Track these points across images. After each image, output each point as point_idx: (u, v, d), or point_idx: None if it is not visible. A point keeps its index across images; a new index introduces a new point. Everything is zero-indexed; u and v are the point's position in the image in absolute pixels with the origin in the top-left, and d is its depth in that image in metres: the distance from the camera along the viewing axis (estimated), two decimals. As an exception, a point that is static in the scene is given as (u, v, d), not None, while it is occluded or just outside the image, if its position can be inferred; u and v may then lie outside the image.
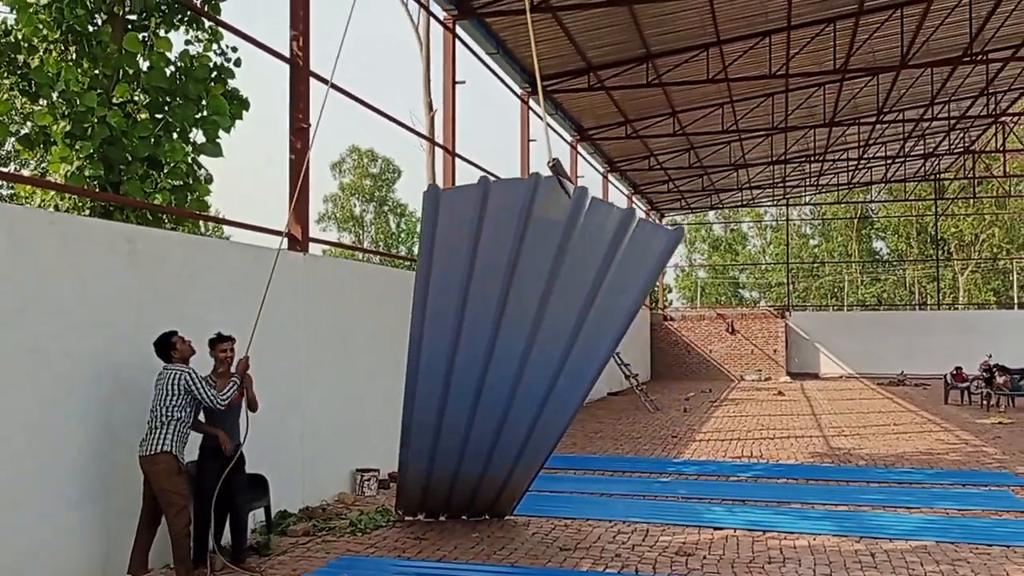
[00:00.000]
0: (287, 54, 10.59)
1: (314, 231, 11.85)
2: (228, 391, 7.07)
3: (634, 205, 35.12)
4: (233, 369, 7.35)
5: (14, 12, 8.92)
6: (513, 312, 7.02)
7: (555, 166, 6.45)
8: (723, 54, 20.13)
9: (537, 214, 6.55)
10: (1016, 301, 54.49)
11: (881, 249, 64.96)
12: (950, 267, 57.93)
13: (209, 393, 6.89)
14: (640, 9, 17.49)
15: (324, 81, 10.62)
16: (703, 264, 70.10)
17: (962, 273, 57.83)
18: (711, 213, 58.75)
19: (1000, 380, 21.61)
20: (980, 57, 20.63)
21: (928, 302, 57.95)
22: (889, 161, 33.08)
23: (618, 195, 32.37)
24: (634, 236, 6.72)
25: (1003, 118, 28.52)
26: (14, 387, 6.22)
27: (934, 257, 51.80)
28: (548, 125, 6.64)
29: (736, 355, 36.28)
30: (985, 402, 21.68)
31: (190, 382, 6.81)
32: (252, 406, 7.53)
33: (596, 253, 6.74)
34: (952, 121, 28.05)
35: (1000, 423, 18.41)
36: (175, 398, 6.79)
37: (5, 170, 25.37)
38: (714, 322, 36.88)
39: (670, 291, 65.19)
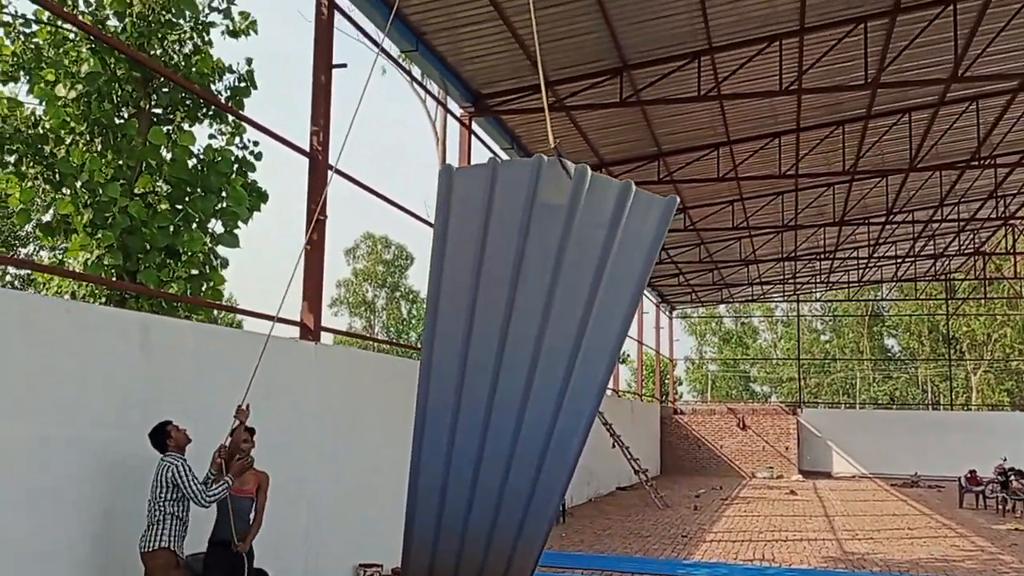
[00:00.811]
0: (307, 147, 10.84)
1: (326, 316, 11.94)
2: (217, 490, 6.89)
3: (645, 296, 35.24)
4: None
5: (43, 104, 9.19)
6: (522, 304, 6.88)
7: (557, 148, 6.50)
8: (733, 153, 20.47)
9: (541, 197, 6.52)
10: (1030, 403, 53.89)
11: (893, 347, 64.66)
12: (962, 367, 57.51)
13: (195, 487, 6.65)
14: (652, 110, 17.88)
15: (337, 171, 10.86)
16: (714, 358, 69.80)
17: (975, 373, 57.36)
18: (721, 306, 58.84)
19: (1016, 484, 21.23)
20: (988, 161, 20.89)
21: (941, 401, 57.37)
22: (899, 260, 33.21)
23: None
24: (632, 211, 6.65)
25: (1012, 221, 28.70)
26: (17, 474, 6.20)
27: (946, 356, 51.49)
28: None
29: (747, 451, 35.80)
30: (1001, 507, 21.26)
31: (176, 474, 6.61)
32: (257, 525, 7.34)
33: (598, 235, 6.63)
34: (962, 223, 28.26)
35: (1016, 529, 18.02)
36: (167, 491, 6.62)
37: (23, 255, 25.70)
38: (725, 417, 36.52)
39: (680, 384, 64.82)
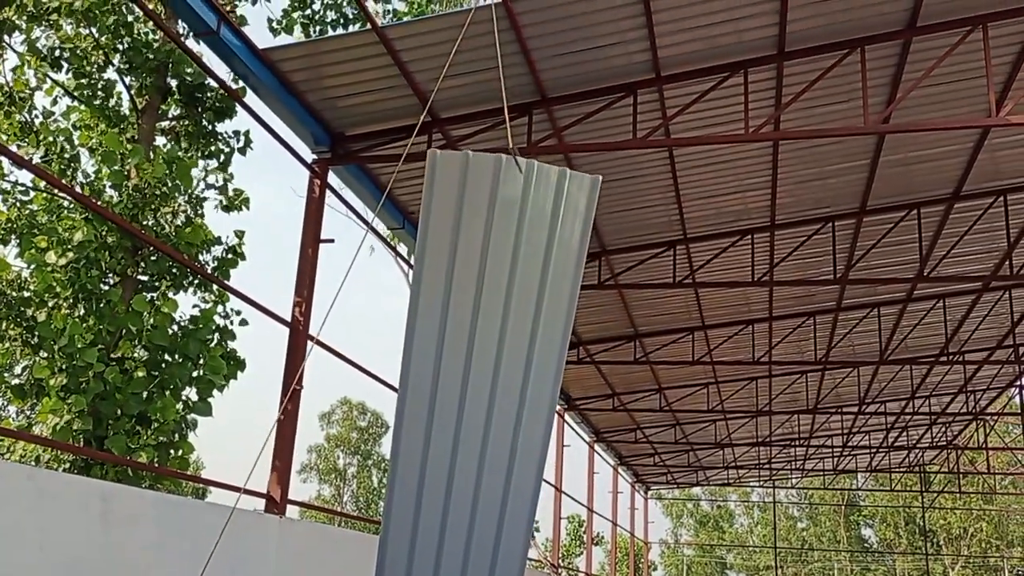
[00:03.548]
0: (288, 317, 10.99)
1: (295, 483, 11.82)
2: None
3: (620, 475, 34.83)
4: None
5: (30, 268, 9.37)
6: (487, 301, 6.97)
7: (514, 150, 6.81)
8: (708, 338, 20.84)
9: (500, 192, 6.81)
10: (1011, 602, 52.55)
11: (870, 537, 63.52)
12: (940, 561, 56.39)
13: None
14: (629, 293, 18.34)
15: (318, 343, 10.97)
16: (689, 542, 68.22)
17: (952, 568, 56.18)
18: (697, 489, 58.08)
19: None
20: (957, 357, 21.35)
21: (920, 597, 55.89)
22: (873, 450, 33.24)
23: (604, 466, 32.18)
24: (568, 194, 6.89)
25: (983, 416, 29.00)
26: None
27: (923, 550, 50.61)
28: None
29: (721, 644, 34.42)
30: None
31: None
32: None
33: (544, 221, 6.91)
34: (933, 416, 28.52)
35: None
36: None
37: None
38: (699, 606, 35.32)
39: (655, 569, 62.98)
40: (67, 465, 9.17)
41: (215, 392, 10.17)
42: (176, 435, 9.86)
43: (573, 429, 27.92)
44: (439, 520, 7.30)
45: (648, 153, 13.15)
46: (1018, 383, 26.26)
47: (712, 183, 14.39)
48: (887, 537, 60.34)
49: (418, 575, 7.20)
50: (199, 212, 10.38)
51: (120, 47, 10.44)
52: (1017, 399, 28.69)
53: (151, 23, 10.43)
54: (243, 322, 11.09)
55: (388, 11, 14.78)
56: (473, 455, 7.22)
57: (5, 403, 24.65)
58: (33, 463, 9.31)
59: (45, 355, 9.08)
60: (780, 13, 10.11)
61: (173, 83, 10.66)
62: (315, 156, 11.85)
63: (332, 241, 11.93)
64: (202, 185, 10.58)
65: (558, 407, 25.50)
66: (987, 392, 27.21)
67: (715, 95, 11.29)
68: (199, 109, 10.62)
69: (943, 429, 32.39)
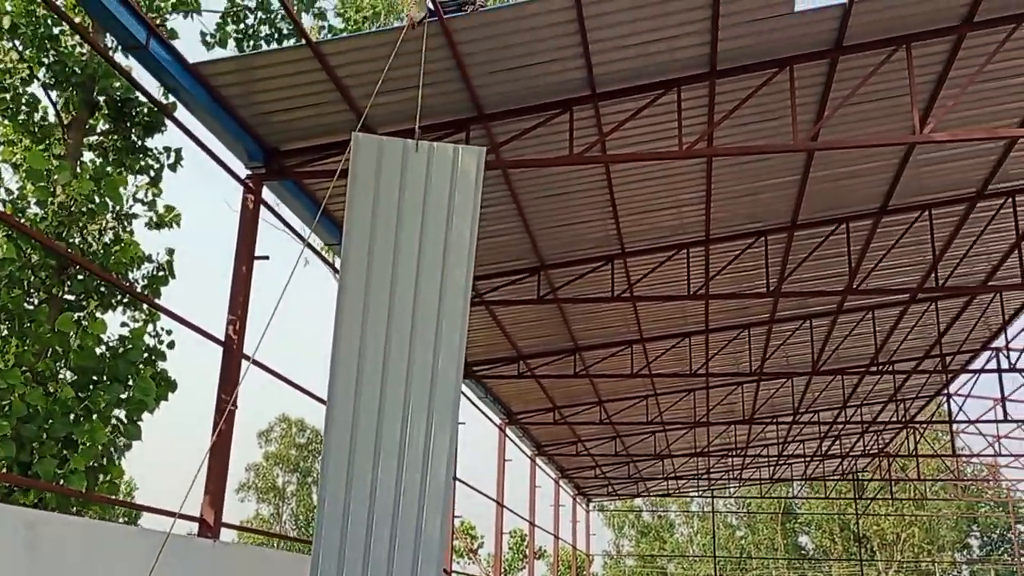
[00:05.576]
0: (222, 335, 10.77)
1: (233, 502, 11.55)
2: None
3: (562, 488, 34.89)
4: None
5: (-50, 291, 9.05)
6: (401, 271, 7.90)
7: (417, 132, 8.09)
8: (646, 351, 21.04)
9: (409, 168, 7.85)
10: (942, 605, 53.87)
11: (806, 544, 64.61)
12: (874, 566, 57.59)
13: None
14: (568, 307, 18.42)
15: (254, 362, 10.78)
16: (630, 552, 68.59)
17: (886, 573, 57.43)
18: (639, 499, 58.48)
19: None
20: (886, 367, 21.87)
21: (856, 602, 56.96)
22: (808, 459, 33.85)
23: (546, 479, 32.23)
24: (462, 164, 7.96)
25: (913, 424, 29.74)
26: None
27: (858, 556, 51.63)
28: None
29: (663, 655, 34.63)
30: None
31: None
32: None
33: (443, 193, 7.92)
34: (865, 424, 29.15)
35: None
36: None
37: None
38: (640, 617, 35.50)
39: (597, 580, 63.16)
40: (-11, 492, 8.86)
41: (145, 414, 9.92)
42: (105, 459, 9.59)
43: (515, 443, 27.89)
44: (366, 517, 7.69)
45: (585, 169, 13.24)
46: (945, 391, 27.01)
47: (648, 198, 14.55)
48: (823, 544, 61.45)
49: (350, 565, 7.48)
50: (128, 229, 10.14)
51: (45, 60, 10.18)
52: (945, 407, 29.47)
53: (78, 36, 10.19)
54: (171, 344, 10.85)
55: (323, 27, 14.65)
56: (393, 447, 7.70)
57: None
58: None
59: (-36, 378, 8.77)
60: (711, 32, 10.29)
61: (101, 98, 10.42)
62: (249, 171, 11.68)
63: (267, 258, 11.74)
64: (131, 202, 10.34)
65: (500, 421, 25.49)
66: (916, 401, 27.92)
67: (650, 112, 11.42)
68: (128, 124, 10.39)
69: (875, 437, 33.14)
